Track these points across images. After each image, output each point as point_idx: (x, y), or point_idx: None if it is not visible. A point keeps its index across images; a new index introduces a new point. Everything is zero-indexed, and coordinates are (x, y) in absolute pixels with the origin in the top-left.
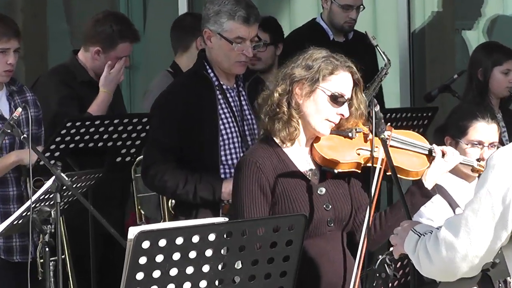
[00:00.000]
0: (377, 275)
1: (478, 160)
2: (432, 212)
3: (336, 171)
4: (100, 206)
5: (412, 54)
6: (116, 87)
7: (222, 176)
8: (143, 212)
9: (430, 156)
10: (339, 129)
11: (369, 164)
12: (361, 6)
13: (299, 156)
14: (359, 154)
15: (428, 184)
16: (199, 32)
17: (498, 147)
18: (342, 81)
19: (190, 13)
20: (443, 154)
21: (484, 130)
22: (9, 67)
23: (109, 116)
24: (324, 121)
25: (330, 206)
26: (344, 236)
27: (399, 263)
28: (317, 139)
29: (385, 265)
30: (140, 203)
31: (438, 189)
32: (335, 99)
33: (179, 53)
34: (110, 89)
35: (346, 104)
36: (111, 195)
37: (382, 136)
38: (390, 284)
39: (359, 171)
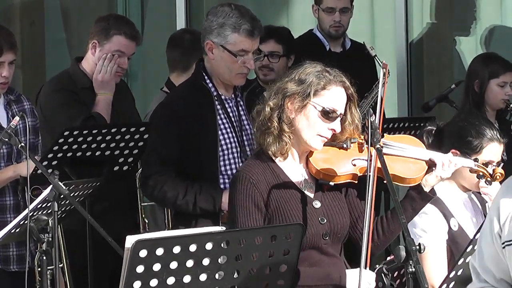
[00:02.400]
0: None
1: (485, 165)
2: (426, 224)
3: (332, 183)
4: (108, 215)
5: (410, 64)
6: (128, 92)
7: (222, 186)
8: (146, 221)
9: (428, 161)
10: (334, 141)
11: (366, 174)
12: (350, 11)
13: (294, 170)
14: (354, 165)
15: (427, 189)
16: (199, 52)
17: (498, 163)
18: (334, 96)
19: (188, 30)
20: (443, 164)
21: (496, 150)
22: (3, 79)
23: (106, 125)
24: (316, 136)
25: (325, 220)
26: (341, 247)
27: (396, 272)
28: (311, 152)
29: (382, 274)
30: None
31: (434, 199)
32: (327, 115)
33: (177, 73)
34: (106, 90)
35: (338, 120)
36: (120, 203)
37: (378, 146)
38: None
39: (356, 182)
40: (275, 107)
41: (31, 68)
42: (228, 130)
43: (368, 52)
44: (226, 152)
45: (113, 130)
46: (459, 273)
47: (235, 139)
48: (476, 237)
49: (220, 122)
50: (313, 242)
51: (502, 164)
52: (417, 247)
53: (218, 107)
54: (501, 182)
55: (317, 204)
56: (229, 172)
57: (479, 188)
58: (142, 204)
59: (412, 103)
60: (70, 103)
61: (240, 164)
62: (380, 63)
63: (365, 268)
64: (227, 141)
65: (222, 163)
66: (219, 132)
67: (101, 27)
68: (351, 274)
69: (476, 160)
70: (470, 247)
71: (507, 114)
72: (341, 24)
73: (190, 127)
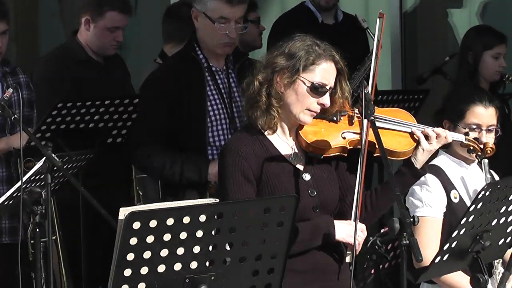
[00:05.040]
0: (368, 257)
1: (476, 139)
2: (425, 195)
3: (322, 156)
4: (101, 187)
5: (404, 36)
6: (124, 67)
7: (210, 157)
8: (140, 193)
9: (418, 135)
10: (324, 114)
11: (356, 147)
12: None
13: (283, 143)
14: (344, 138)
15: (418, 165)
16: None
17: (497, 131)
18: (323, 71)
19: (186, 2)
20: (427, 137)
21: (481, 113)
22: None
23: (100, 97)
24: (305, 110)
25: (315, 192)
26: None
27: (390, 245)
28: (301, 125)
29: (376, 247)
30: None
31: (435, 169)
32: (316, 90)
33: (172, 44)
34: None
35: (327, 94)
36: (113, 175)
37: (371, 118)
38: (380, 266)
39: (345, 155)
40: (264, 81)
41: (25, 40)
42: (218, 101)
43: (360, 24)
44: (214, 123)
45: (106, 102)
46: (453, 245)
47: (224, 110)
48: (471, 209)
49: (209, 93)
50: (303, 215)
51: (498, 133)
52: (411, 219)
53: (208, 78)
54: (492, 157)
55: (306, 176)
56: (217, 144)
57: (469, 156)
58: (137, 176)
59: (406, 75)
60: (54, 80)
61: (229, 136)
62: (372, 35)
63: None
64: (216, 112)
65: (210, 134)
66: (208, 104)
67: (93, 2)
68: (340, 224)
69: (467, 134)
70: (465, 219)
71: (500, 88)
72: None
73: (179, 98)
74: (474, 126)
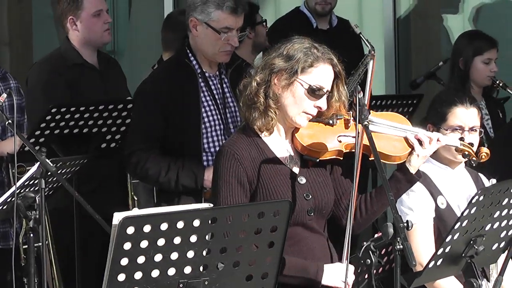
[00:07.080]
0: (362, 261)
1: (471, 144)
2: (413, 202)
3: (318, 160)
4: (96, 192)
5: (398, 41)
6: (119, 70)
7: (205, 163)
8: (136, 198)
9: (413, 139)
10: (320, 117)
11: (352, 151)
12: None
13: (279, 145)
14: (340, 141)
15: (413, 170)
16: None
17: (481, 132)
18: (321, 74)
19: (183, 10)
20: (421, 142)
21: (463, 114)
22: None
23: (94, 102)
24: (301, 113)
25: (310, 196)
26: (325, 223)
27: (384, 250)
28: (297, 128)
29: (370, 251)
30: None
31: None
32: (313, 92)
33: (170, 52)
34: None
35: (324, 97)
36: (108, 180)
37: (365, 123)
38: (374, 271)
39: (341, 158)
40: (261, 82)
41: (19, 45)
42: (212, 107)
43: (353, 30)
44: (209, 129)
45: (100, 107)
46: (447, 250)
47: (219, 116)
48: (464, 214)
49: (203, 99)
50: (298, 218)
51: (482, 134)
52: (405, 224)
53: (202, 84)
54: (486, 162)
55: (302, 180)
56: (212, 150)
57: (457, 159)
58: (132, 181)
59: (400, 80)
60: (48, 85)
61: (223, 141)
62: (366, 41)
63: (346, 259)
64: (211, 118)
65: (205, 140)
66: (203, 110)
67: (67, 2)
68: (328, 270)
69: (461, 139)
70: (458, 223)
71: (493, 92)
72: (328, 2)
73: (173, 105)
74: (457, 128)
